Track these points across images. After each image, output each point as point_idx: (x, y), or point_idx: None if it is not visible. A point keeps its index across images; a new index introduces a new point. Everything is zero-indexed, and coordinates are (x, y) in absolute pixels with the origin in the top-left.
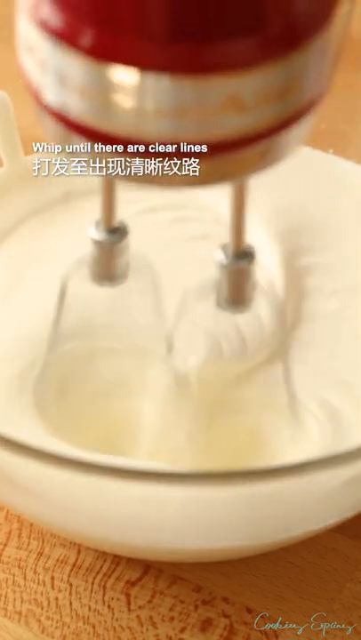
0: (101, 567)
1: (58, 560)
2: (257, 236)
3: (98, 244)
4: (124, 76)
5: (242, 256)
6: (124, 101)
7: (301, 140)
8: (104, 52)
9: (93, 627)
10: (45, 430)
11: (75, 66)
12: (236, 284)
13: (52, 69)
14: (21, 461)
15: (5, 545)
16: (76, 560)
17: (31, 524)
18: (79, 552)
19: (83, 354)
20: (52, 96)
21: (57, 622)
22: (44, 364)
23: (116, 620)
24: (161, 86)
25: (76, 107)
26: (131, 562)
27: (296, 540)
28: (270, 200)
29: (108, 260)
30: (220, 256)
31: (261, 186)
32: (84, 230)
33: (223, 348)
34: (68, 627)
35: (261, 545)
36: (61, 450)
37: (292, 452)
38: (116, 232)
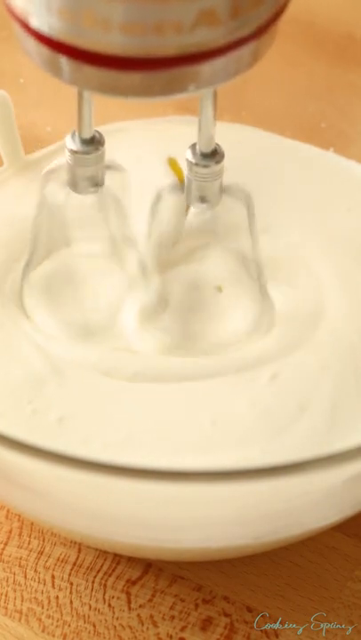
0: (102, 566)
1: (58, 559)
2: None
3: (74, 153)
4: None
5: (210, 156)
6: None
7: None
8: None
9: (94, 625)
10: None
11: None
12: (204, 181)
13: None
14: (22, 460)
15: (6, 544)
16: (77, 559)
17: (32, 523)
18: (80, 551)
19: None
20: (36, 20)
21: (57, 621)
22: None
23: (117, 618)
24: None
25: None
26: (131, 561)
27: (297, 538)
28: None
29: (84, 169)
30: (189, 155)
31: None
32: None
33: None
34: (69, 625)
35: (262, 544)
36: (62, 448)
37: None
38: (92, 142)
